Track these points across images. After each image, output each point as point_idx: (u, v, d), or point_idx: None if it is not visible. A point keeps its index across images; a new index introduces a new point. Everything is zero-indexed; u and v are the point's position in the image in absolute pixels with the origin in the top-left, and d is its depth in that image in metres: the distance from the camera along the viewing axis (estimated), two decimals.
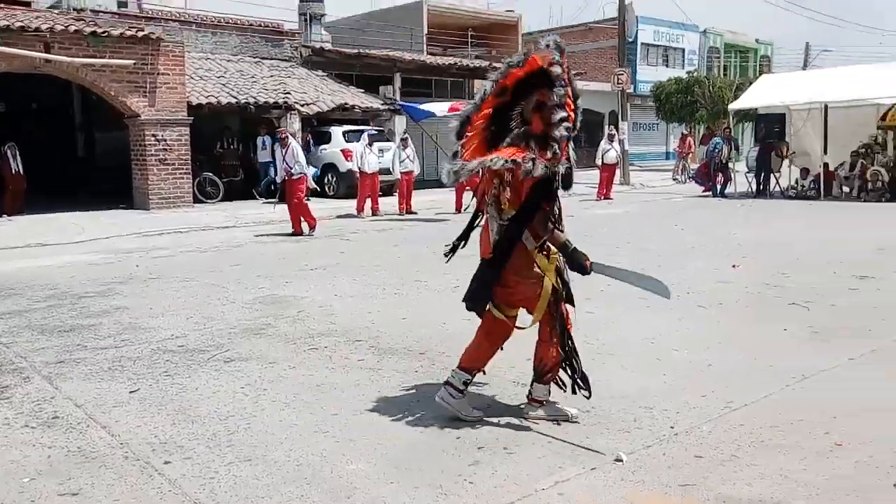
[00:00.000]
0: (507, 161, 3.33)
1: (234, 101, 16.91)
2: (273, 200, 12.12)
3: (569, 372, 3.75)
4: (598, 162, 17.65)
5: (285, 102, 17.57)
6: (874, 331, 5.26)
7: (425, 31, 26.09)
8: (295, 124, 17.45)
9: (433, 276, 7.74)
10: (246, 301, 6.71)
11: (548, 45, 3.45)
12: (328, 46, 21.90)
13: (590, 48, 34.29)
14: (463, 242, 3.94)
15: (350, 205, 14.93)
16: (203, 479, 3.11)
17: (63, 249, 10.44)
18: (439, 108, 15.09)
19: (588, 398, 3.72)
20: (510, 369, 4.51)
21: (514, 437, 3.49)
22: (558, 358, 3.71)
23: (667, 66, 35.58)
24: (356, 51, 21.08)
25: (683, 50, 36.68)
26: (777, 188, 17.95)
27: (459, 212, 14.80)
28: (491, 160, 3.36)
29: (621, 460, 3.21)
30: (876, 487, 2.94)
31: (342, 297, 6.86)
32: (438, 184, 18.07)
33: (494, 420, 3.72)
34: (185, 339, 5.41)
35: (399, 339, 5.30)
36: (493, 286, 3.65)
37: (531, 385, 3.80)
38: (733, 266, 7.99)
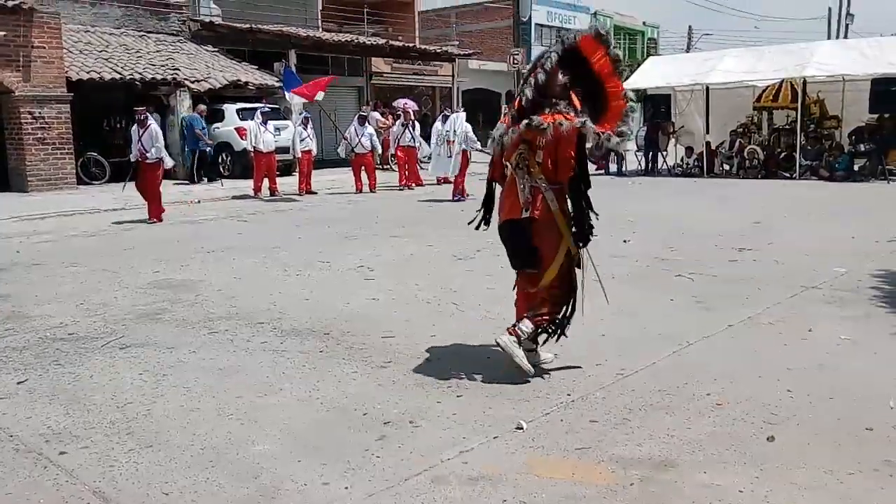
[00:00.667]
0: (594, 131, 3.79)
1: (118, 76, 16.08)
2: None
3: (555, 329, 4.10)
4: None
5: (174, 79, 16.87)
6: (751, 299, 5.66)
7: (320, 6, 25.56)
8: (185, 101, 16.80)
9: (336, 256, 7.71)
10: (140, 286, 6.48)
11: (598, 33, 3.91)
12: (218, 20, 21.12)
13: (485, 28, 34.55)
14: (486, 213, 4.28)
15: (247, 185, 14.57)
16: (102, 468, 3.03)
17: None
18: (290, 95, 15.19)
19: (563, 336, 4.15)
20: (415, 346, 4.60)
21: (419, 412, 3.57)
22: (553, 314, 4.04)
23: None
24: (248, 26, 20.42)
25: None
26: (664, 166, 18.81)
27: (360, 191, 14.76)
28: (596, 133, 3.77)
29: (522, 428, 3.35)
30: (751, 440, 3.20)
31: (242, 279, 6.73)
32: (336, 163, 17.90)
33: (401, 396, 3.79)
34: (75, 327, 5.19)
35: (302, 319, 5.28)
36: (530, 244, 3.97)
37: (520, 320, 3.97)
38: (625, 241, 8.37)
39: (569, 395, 3.76)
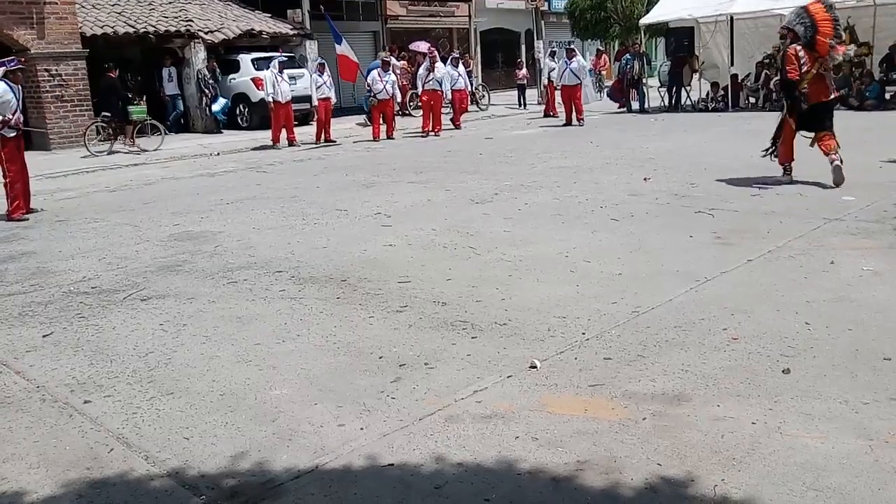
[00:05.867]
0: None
1: (131, 30, 15.99)
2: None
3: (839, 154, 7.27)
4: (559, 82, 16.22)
5: (188, 30, 16.73)
6: (772, 233, 5.58)
7: None
8: (200, 53, 16.68)
9: (353, 204, 7.72)
10: (160, 239, 6.56)
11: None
12: None
13: None
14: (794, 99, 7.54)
15: (264, 136, 14.53)
16: (125, 415, 3.11)
17: None
18: (346, 50, 15.90)
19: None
20: (431, 290, 4.61)
21: (434, 354, 3.60)
22: (837, 145, 7.30)
23: None
24: None
25: None
26: (688, 102, 18.38)
27: (377, 139, 14.64)
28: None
29: (535, 367, 3.37)
30: (766, 374, 3.19)
31: (260, 229, 6.77)
32: (355, 111, 17.75)
33: (416, 339, 3.82)
34: (98, 281, 5.28)
35: (320, 267, 5.31)
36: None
37: (838, 160, 7.18)
38: (645, 179, 8.25)
39: (583, 333, 3.76)
